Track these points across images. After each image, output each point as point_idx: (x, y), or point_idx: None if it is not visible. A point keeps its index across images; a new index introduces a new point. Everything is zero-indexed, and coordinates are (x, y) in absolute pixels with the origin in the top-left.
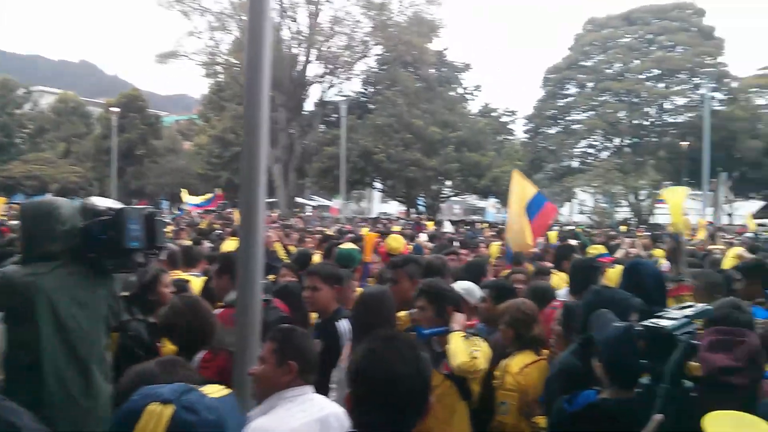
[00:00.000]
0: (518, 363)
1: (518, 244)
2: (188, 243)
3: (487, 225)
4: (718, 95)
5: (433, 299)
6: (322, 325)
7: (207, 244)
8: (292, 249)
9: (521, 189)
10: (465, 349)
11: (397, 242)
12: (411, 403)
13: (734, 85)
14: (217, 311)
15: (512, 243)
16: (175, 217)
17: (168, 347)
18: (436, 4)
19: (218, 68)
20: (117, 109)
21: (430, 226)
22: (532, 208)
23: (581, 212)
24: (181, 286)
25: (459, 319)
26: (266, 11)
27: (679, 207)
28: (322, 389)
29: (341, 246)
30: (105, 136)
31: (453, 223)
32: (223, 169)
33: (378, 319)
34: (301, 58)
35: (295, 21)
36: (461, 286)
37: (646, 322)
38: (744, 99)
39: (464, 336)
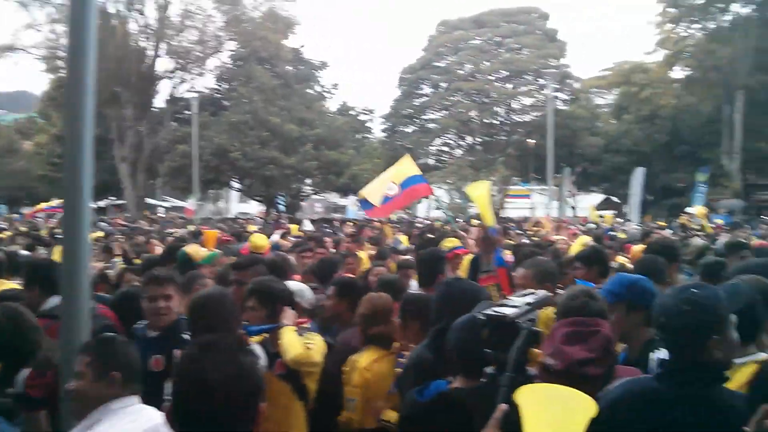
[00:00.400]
0: (366, 359)
1: (369, 194)
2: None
3: (351, 223)
4: (562, 95)
5: (264, 299)
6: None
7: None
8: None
9: (407, 166)
10: (298, 342)
11: (261, 240)
12: (233, 409)
13: (576, 85)
14: None
15: (365, 193)
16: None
17: None
18: (291, 0)
19: (59, 63)
20: None
21: (294, 229)
22: (409, 182)
23: (438, 208)
24: (10, 295)
25: (290, 315)
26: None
27: (485, 200)
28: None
29: (184, 248)
30: None
31: (313, 221)
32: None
33: (217, 321)
34: (150, 53)
35: (142, 14)
36: (292, 287)
37: (488, 311)
38: (585, 99)
39: (296, 331)
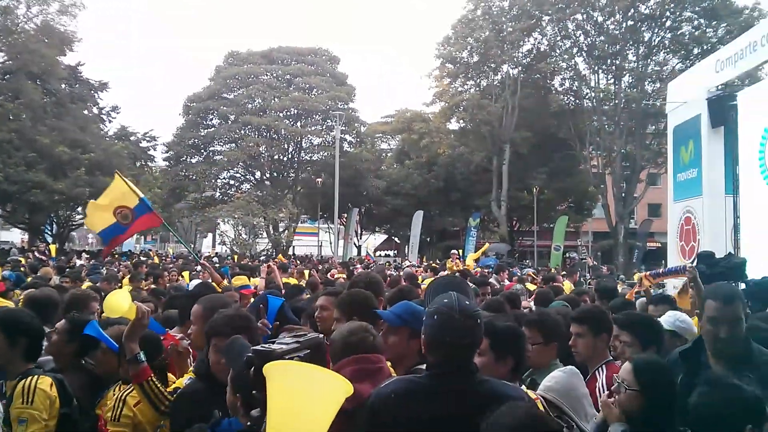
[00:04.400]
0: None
1: (93, 220)
2: None
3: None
4: (349, 137)
5: None
6: None
7: None
8: None
9: (122, 191)
10: None
11: None
12: None
13: (363, 129)
14: None
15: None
16: None
17: None
18: (70, 15)
19: None
20: None
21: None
22: (138, 210)
23: (223, 243)
24: None
25: None
26: None
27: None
28: None
29: None
30: None
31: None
32: None
33: None
34: None
35: None
36: None
37: (257, 347)
38: (370, 142)
39: None
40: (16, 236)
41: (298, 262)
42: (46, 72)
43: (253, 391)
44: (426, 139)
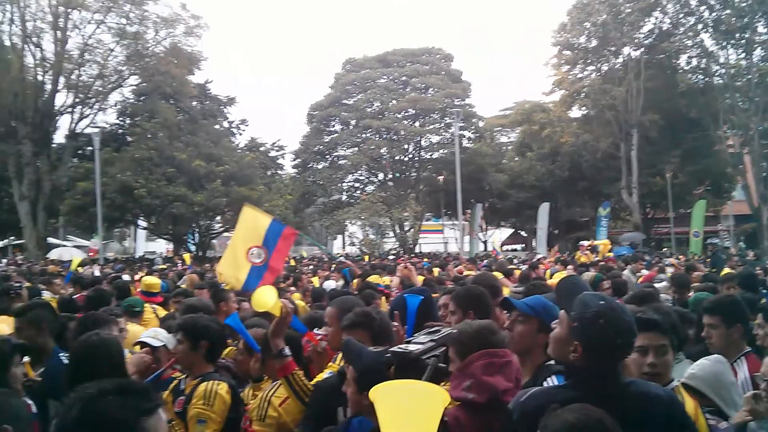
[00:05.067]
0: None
1: (230, 278)
2: None
3: None
4: (467, 133)
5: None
6: None
7: None
8: None
9: (252, 222)
10: None
11: (153, 280)
12: None
13: (480, 124)
14: None
15: (224, 278)
16: None
17: None
18: (195, 36)
19: None
20: None
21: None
22: (270, 237)
23: (352, 244)
24: None
25: None
26: None
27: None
28: None
29: None
30: None
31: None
32: None
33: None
34: (48, 87)
35: (39, 47)
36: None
37: (394, 348)
38: (489, 137)
39: None
40: (161, 247)
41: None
42: (177, 91)
43: None
44: (547, 129)
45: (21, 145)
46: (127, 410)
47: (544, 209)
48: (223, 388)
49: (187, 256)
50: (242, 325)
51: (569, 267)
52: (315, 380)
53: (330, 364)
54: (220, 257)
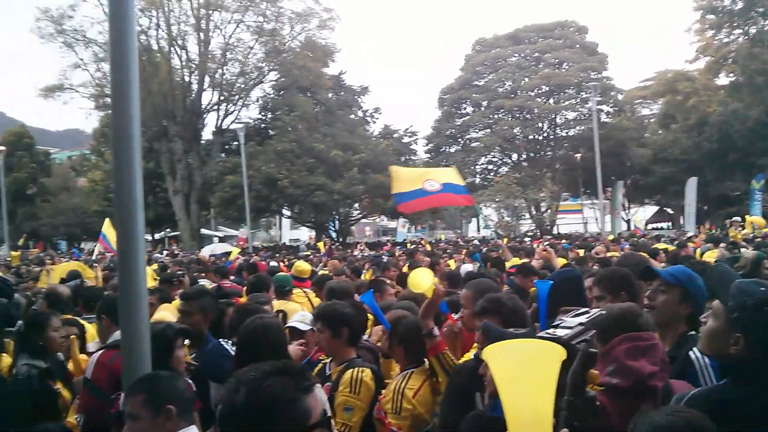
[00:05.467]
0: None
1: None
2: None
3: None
4: (606, 108)
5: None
6: None
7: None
8: None
9: (452, 174)
10: None
11: (304, 266)
12: None
13: (619, 97)
14: (98, 353)
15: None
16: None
17: (65, 392)
18: (329, 29)
19: (107, 100)
20: (3, 148)
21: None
22: (452, 188)
23: (487, 227)
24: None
25: None
26: (131, 36)
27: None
28: None
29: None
30: None
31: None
32: None
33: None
34: (195, 87)
35: (185, 49)
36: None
37: (542, 333)
38: (629, 110)
39: None
40: (304, 234)
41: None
42: (314, 84)
43: None
44: (693, 98)
45: (172, 143)
46: (289, 390)
47: (691, 184)
48: (367, 375)
49: (321, 244)
50: (375, 304)
51: (721, 245)
52: (461, 360)
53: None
54: (358, 243)
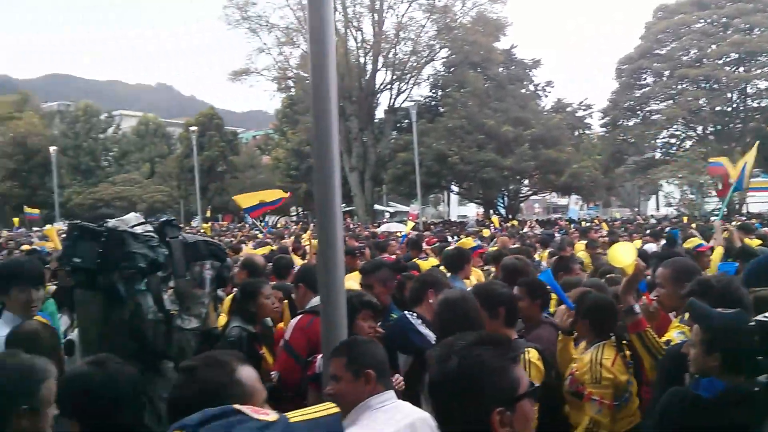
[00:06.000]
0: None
1: None
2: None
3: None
4: None
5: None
6: None
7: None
8: None
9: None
10: None
11: (469, 242)
12: None
13: None
14: (297, 318)
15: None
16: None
17: (269, 357)
18: (500, 2)
19: (289, 82)
20: (196, 128)
21: (496, 221)
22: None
23: (668, 204)
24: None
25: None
26: (329, 20)
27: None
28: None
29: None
30: (186, 155)
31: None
32: (301, 180)
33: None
34: (369, 67)
35: (360, 30)
36: None
37: (759, 317)
38: None
39: None
40: (471, 211)
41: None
42: (485, 59)
43: (759, 357)
44: None
45: (349, 122)
46: (498, 359)
47: None
48: (534, 355)
49: (495, 219)
50: (555, 282)
51: None
52: (665, 337)
53: (675, 324)
54: (527, 221)
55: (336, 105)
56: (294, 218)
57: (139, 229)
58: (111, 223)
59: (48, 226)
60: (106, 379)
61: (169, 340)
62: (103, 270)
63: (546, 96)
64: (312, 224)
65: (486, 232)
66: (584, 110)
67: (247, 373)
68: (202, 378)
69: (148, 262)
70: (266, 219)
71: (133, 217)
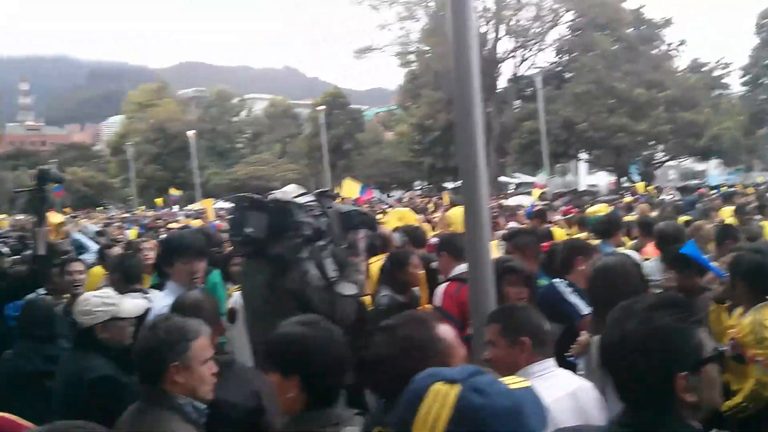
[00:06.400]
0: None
1: None
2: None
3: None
4: None
5: None
6: None
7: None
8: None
9: None
10: None
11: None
12: None
13: None
14: (444, 285)
15: None
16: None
17: None
18: None
19: (411, 57)
20: (323, 108)
21: (641, 187)
22: None
23: None
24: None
25: None
26: None
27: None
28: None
29: None
30: (315, 135)
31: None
32: (424, 155)
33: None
34: (491, 36)
35: None
36: None
37: None
38: None
39: None
40: (601, 180)
41: None
42: (612, 20)
43: None
44: None
45: None
46: (683, 321)
47: None
48: None
49: (641, 185)
50: (699, 253)
51: None
52: None
53: None
54: (665, 187)
55: (478, 71)
56: (419, 192)
57: (301, 200)
58: (275, 194)
59: (203, 200)
60: (323, 338)
61: (332, 307)
62: (272, 239)
63: (679, 56)
64: (436, 197)
65: (627, 199)
66: (722, 69)
67: (445, 329)
68: (402, 335)
69: (313, 231)
70: (392, 193)
71: (293, 188)
